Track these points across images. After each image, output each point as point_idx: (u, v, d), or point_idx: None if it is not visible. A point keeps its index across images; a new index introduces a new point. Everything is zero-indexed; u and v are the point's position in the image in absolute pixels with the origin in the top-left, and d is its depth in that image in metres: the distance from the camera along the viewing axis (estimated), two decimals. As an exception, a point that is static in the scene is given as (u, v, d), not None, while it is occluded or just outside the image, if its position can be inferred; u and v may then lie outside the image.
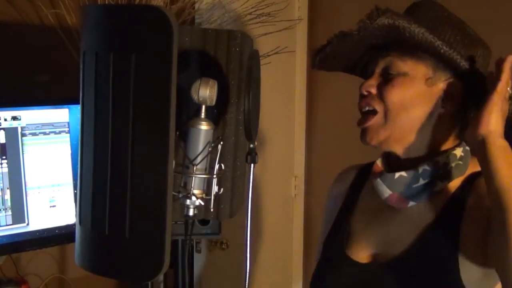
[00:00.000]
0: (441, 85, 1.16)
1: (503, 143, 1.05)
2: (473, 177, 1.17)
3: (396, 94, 1.15)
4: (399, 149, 1.19)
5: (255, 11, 1.89)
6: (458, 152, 1.17)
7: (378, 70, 1.18)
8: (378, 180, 1.19)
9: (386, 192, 1.18)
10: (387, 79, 1.16)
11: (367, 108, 1.18)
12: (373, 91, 1.17)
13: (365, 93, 1.18)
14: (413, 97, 1.15)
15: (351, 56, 1.25)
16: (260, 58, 1.15)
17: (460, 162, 1.16)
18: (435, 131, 1.18)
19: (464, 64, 1.12)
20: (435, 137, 1.18)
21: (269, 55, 1.86)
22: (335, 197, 1.39)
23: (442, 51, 1.11)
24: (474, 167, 1.16)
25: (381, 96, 1.16)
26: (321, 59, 1.23)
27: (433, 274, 1.13)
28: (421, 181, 1.16)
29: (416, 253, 1.16)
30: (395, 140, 1.18)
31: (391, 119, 1.16)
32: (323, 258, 1.34)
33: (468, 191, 1.16)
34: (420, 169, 1.16)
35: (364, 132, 1.19)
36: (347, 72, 1.32)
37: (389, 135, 1.17)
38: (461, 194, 1.16)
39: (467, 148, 1.18)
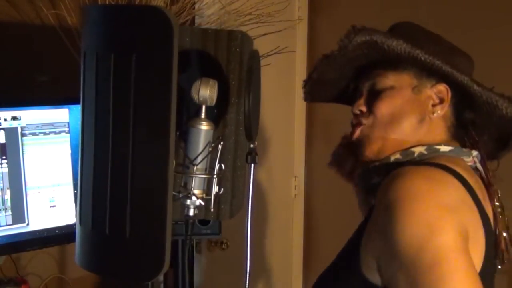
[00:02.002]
0: (428, 92, 1.17)
1: None
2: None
3: (385, 106, 1.17)
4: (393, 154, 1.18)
5: (255, 11, 1.89)
6: (418, 149, 1.15)
7: (364, 89, 1.21)
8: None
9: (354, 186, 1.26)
10: (375, 95, 1.18)
11: (355, 122, 1.21)
12: (364, 108, 1.20)
13: (357, 112, 1.21)
14: (402, 105, 1.16)
15: (338, 82, 1.28)
16: (260, 58, 1.15)
17: (417, 159, 1.14)
18: (428, 135, 1.17)
19: (446, 67, 1.12)
20: (427, 140, 1.17)
21: (269, 55, 1.86)
22: None
23: (422, 58, 1.12)
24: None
25: (370, 110, 1.18)
26: (310, 87, 1.27)
27: (343, 268, 1.14)
28: (376, 178, 1.16)
29: (345, 247, 1.18)
30: (388, 150, 1.17)
31: (381, 129, 1.17)
32: None
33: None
34: (371, 166, 1.18)
35: (357, 147, 1.19)
36: (337, 102, 1.35)
37: (383, 144, 1.17)
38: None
39: (438, 147, 1.14)
